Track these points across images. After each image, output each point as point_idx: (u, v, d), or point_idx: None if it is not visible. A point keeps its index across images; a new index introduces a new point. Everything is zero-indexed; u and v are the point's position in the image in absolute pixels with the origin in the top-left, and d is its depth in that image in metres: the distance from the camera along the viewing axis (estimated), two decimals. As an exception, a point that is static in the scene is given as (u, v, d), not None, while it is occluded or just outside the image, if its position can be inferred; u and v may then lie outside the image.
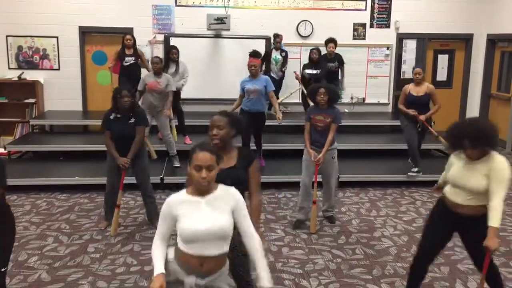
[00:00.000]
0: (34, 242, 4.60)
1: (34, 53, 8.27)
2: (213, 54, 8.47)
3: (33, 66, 8.29)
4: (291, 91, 7.74)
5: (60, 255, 4.36)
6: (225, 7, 8.34)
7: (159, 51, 8.31)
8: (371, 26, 8.80)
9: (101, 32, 8.34)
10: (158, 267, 2.36)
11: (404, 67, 9.06)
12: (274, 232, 4.96)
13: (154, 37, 8.35)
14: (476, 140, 2.91)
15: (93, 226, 5.02)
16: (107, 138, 4.74)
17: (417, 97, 6.10)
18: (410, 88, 6.19)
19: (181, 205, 2.39)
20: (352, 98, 8.91)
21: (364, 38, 8.81)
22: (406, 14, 8.80)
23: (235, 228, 2.47)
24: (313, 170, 4.97)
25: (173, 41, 7.90)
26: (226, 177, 2.61)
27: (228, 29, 8.35)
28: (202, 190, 2.40)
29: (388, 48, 8.91)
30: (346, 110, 8.74)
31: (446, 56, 9.34)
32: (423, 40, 9.02)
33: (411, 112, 6.07)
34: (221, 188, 2.47)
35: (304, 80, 7.50)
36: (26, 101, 8.19)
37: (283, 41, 7.94)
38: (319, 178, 5.07)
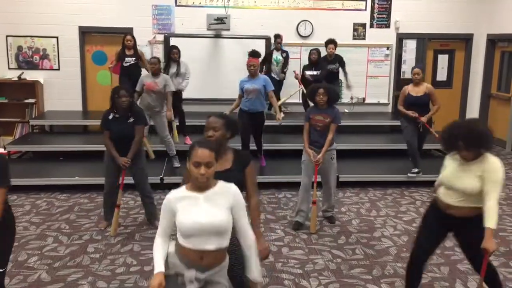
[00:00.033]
0: (34, 242, 4.60)
1: (34, 53, 8.27)
2: (213, 54, 8.47)
3: (33, 66, 8.29)
4: (291, 93, 7.74)
5: (60, 255, 4.36)
6: (225, 7, 8.34)
7: (159, 51, 8.32)
8: (371, 26, 8.81)
9: (101, 32, 8.34)
10: (158, 265, 2.40)
11: (404, 67, 9.07)
12: (274, 232, 4.96)
13: (154, 37, 8.35)
14: (471, 141, 2.93)
15: (93, 226, 5.02)
16: (106, 138, 4.73)
17: (416, 98, 6.09)
18: (409, 88, 6.18)
19: (180, 200, 2.43)
20: (352, 98, 8.91)
21: (364, 38, 8.81)
22: (406, 14, 8.81)
23: (234, 229, 2.49)
24: (313, 171, 4.97)
25: (173, 41, 7.90)
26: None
27: (228, 29, 8.35)
28: (201, 186, 2.43)
29: (388, 48, 8.91)
30: (346, 110, 8.75)
31: (446, 56, 9.35)
32: (423, 40, 9.02)
33: (411, 113, 6.07)
34: (221, 185, 2.49)
35: (304, 80, 7.50)
36: (26, 101, 8.19)
37: (283, 41, 7.95)
38: (319, 179, 5.07)
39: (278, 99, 7.70)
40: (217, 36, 8.44)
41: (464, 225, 3.08)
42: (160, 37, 8.35)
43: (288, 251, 4.51)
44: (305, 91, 6.98)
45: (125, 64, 7.02)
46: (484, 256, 2.95)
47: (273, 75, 7.75)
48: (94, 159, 6.51)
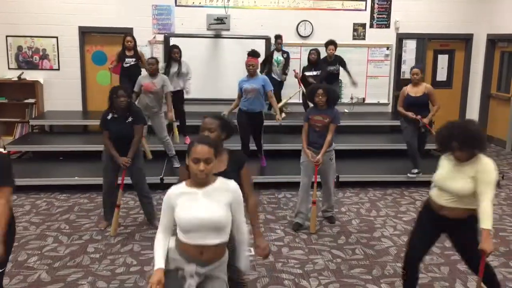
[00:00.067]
0: (33, 242, 4.60)
1: (34, 53, 8.27)
2: (213, 54, 8.47)
3: (33, 66, 8.29)
4: (291, 95, 7.72)
5: (60, 255, 4.36)
6: (225, 7, 8.34)
7: (159, 51, 8.33)
8: (371, 26, 8.81)
9: (101, 32, 8.34)
10: (158, 262, 2.43)
11: (404, 67, 9.07)
12: (274, 232, 4.96)
13: (154, 37, 8.35)
14: (465, 142, 2.93)
15: (93, 226, 5.02)
16: (106, 138, 4.73)
17: (415, 98, 6.09)
18: (408, 89, 6.18)
19: (179, 196, 2.46)
20: (352, 98, 8.92)
21: (364, 38, 8.81)
22: (406, 14, 8.81)
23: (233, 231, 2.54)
24: (312, 172, 4.97)
25: (173, 41, 7.90)
26: None
27: (228, 29, 8.35)
28: (200, 183, 2.46)
29: (388, 48, 8.92)
30: (346, 110, 8.75)
31: (446, 56, 9.35)
32: (423, 40, 9.02)
33: (410, 115, 6.07)
34: (220, 181, 2.52)
35: (304, 81, 7.50)
36: (26, 101, 8.19)
37: (282, 42, 7.94)
38: (318, 179, 5.06)
39: (279, 99, 7.71)
40: (217, 36, 8.44)
41: (458, 227, 3.09)
42: (160, 37, 8.35)
43: (288, 251, 4.51)
44: (305, 91, 6.98)
45: (125, 65, 7.02)
46: (482, 257, 2.95)
47: (273, 75, 7.75)
48: (94, 159, 6.48)
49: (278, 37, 7.82)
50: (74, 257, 4.32)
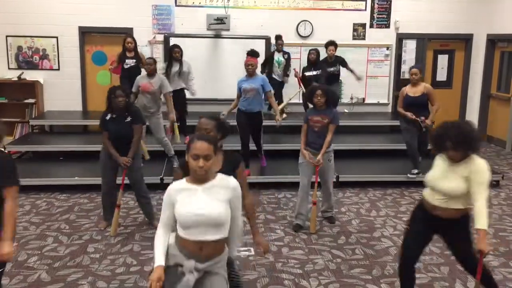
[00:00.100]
0: (33, 242, 4.60)
1: (34, 53, 8.27)
2: (213, 54, 8.47)
3: (33, 66, 8.29)
4: (291, 96, 7.71)
5: (60, 255, 4.36)
6: (225, 7, 8.34)
7: (159, 51, 8.33)
8: (371, 26, 8.81)
9: (101, 32, 8.34)
10: (158, 259, 2.45)
11: (404, 67, 9.06)
12: (274, 232, 4.96)
13: (154, 37, 8.35)
14: (459, 142, 2.95)
15: (93, 226, 5.02)
16: (105, 138, 4.73)
17: (414, 98, 6.09)
18: (407, 89, 6.19)
19: (179, 192, 2.48)
20: (352, 98, 8.92)
21: (364, 38, 8.81)
22: (406, 14, 8.81)
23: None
24: (311, 172, 4.97)
25: (173, 41, 7.90)
26: None
27: (228, 29, 8.35)
28: (200, 179, 2.48)
29: (388, 48, 8.91)
30: (346, 111, 8.75)
31: (446, 56, 9.35)
32: (423, 40, 9.02)
33: (409, 115, 6.07)
34: (220, 178, 2.54)
35: (304, 81, 7.49)
36: (26, 101, 8.20)
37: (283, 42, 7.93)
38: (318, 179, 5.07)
39: (281, 100, 7.71)
40: (217, 36, 8.44)
41: (451, 227, 3.10)
42: (160, 37, 8.35)
43: (288, 251, 4.51)
44: (305, 91, 6.98)
45: (125, 66, 7.02)
46: (480, 258, 2.95)
47: (274, 76, 7.74)
48: (94, 159, 6.46)
49: (278, 38, 7.79)
50: (74, 257, 4.32)
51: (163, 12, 8.36)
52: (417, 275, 3.84)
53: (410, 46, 9.07)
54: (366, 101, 9.02)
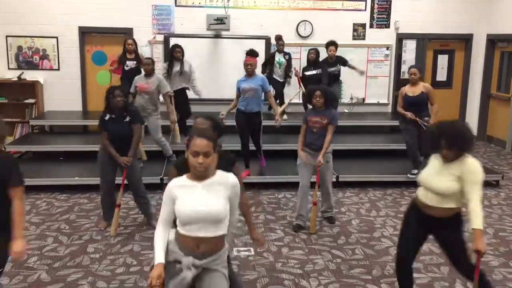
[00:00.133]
0: (33, 242, 4.60)
1: (34, 54, 8.27)
2: (213, 55, 8.47)
3: (33, 66, 8.29)
4: (291, 97, 7.70)
5: (60, 255, 4.36)
6: (224, 7, 8.34)
7: (159, 51, 8.33)
8: (371, 26, 8.81)
9: (101, 32, 8.34)
10: (158, 257, 2.48)
11: (404, 68, 9.06)
12: (274, 232, 4.96)
13: (154, 37, 8.35)
14: (452, 141, 2.97)
15: (93, 227, 5.02)
16: (105, 138, 4.72)
17: (413, 97, 6.10)
18: (406, 89, 6.20)
19: (179, 188, 2.51)
20: (352, 98, 8.92)
21: (364, 38, 8.82)
22: (406, 14, 8.81)
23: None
24: (310, 173, 4.99)
25: (173, 41, 7.89)
26: None
27: (228, 29, 8.35)
28: (200, 176, 2.50)
29: (388, 48, 8.92)
30: (346, 111, 8.75)
31: (446, 56, 9.35)
32: (423, 40, 9.02)
33: (409, 115, 6.07)
34: (220, 174, 2.56)
35: (304, 81, 7.49)
36: (26, 101, 8.20)
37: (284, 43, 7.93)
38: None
39: (282, 100, 7.71)
40: (217, 36, 8.44)
41: (444, 226, 3.10)
42: (160, 37, 8.35)
43: (288, 251, 4.51)
44: (305, 92, 6.97)
45: (126, 68, 7.02)
46: (477, 258, 2.96)
47: (275, 77, 7.74)
48: (94, 159, 6.42)
49: (279, 38, 7.77)
50: (74, 257, 4.32)
51: (163, 12, 8.36)
52: (417, 275, 3.86)
53: (410, 46, 9.07)
54: (366, 101, 9.02)
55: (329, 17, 8.62)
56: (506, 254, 4.50)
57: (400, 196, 6.16)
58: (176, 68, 6.83)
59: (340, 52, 7.80)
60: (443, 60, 9.36)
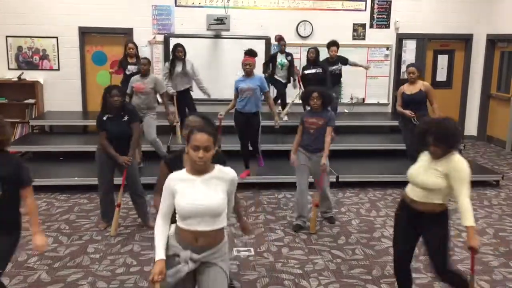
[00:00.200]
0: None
1: (34, 54, 8.27)
2: (213, 55, 8.47)
3: (33, 66, 8.30)
4: (292, 98, 7.68)
5: (60, 255, 4.36)
6: (224, 7, 8.34)
7: (159, 52, 8.34)
8: (371, 26, 8.81)
9: (101, 33, 8.34)
10: (159, 253, 2.50)
11: (404, 68, 9.05)
12: (274, 232, 4.96)
13: (154, 38, 8.35)
14: (438, 138, 2.99)
15: (93, 227, 5.02)
16: (103, 139, 4.71)
17: (411, 96, 6.09)
18: (405, 88, 6.20)
19: (179, 181, 2.53)
20: (351, 98, 8.92)
21: (364, 39, 8.82)
22: (406, 14, 8.81)
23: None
24: (307, 175, 5.00)
25: (173, 42, 7.88)
26: None
27: (228, 30, 8.35)
28: (199, 170, 2.52)
29: (387, 49, 8.92)
30: (346, 111, 8.75)
31: (446, 56, 9.35)
32: (423, 40, 9.02)
33: (408, 113, 6.06)
34: (218, 169, 2.58)
35: (304, 80, 7.48)
36: (26, 101, 8.20)
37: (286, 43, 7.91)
38: (318, 181, 5.06)
39: (284, 100, 7.70)
40: (217, 36, 8.44)
41: (430, 222, 3.12)
42: (160, 38, 8.35)
43: (288, 251, 4.51)
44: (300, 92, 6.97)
45: (127, 72, 7.01)
46: (471, 254, 2.99)
47: (277, 77, 7.73)
48: (93, 159, 6.47)
49: (281, 39, 7.74)
50: (74, 257, 4.32)
51: (163, 12, 8.36)
52: (417, 275, 3.86)
53: (410, 46, 9.07)
54: (366, 101, 9.02)
55: (329, 17, 8.62)
56: (506, 254, 4.50)
57: (400, 196, 6.14)
58: (178, 68, 6.82)
59: (340, 52, 7.79)
60: (443, 60, 9.36)
